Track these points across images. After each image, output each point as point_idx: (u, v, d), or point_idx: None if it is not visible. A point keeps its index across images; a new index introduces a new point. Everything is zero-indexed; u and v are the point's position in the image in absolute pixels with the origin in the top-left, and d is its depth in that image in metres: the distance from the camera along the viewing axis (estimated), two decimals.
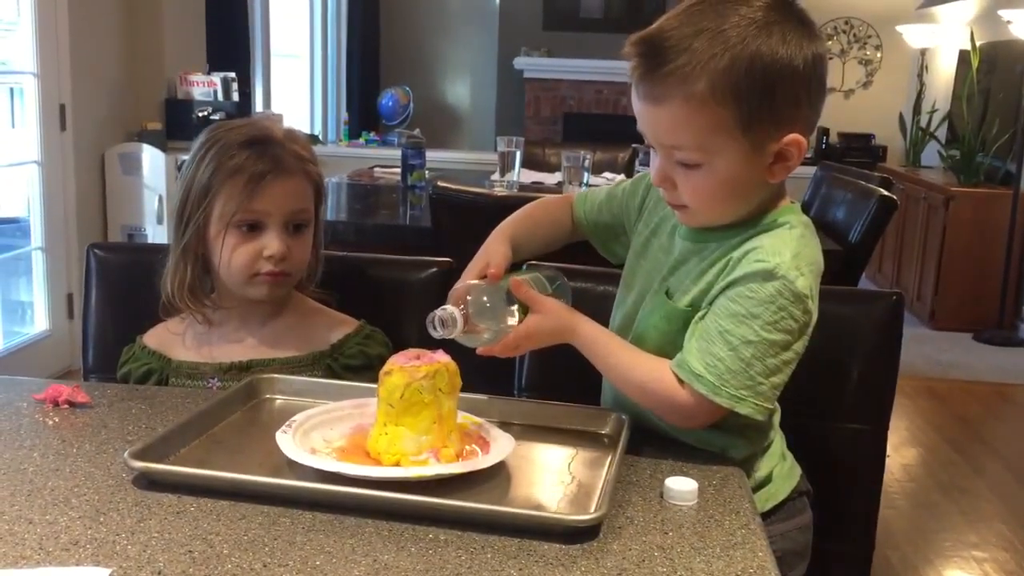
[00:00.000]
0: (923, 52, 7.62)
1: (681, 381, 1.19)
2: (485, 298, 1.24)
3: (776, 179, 1.21)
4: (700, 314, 1.22)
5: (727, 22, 1.14)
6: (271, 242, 1.47)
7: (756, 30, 1.14)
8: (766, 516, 1.30)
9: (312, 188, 1.53)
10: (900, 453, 3.80)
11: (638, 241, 1.41)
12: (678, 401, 1.20)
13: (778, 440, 1.35)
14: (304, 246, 1.52)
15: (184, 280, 1.50)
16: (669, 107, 1.16)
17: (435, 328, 1.19)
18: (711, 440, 1.26)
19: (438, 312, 1.19)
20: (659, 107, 1.17)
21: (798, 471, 1.37)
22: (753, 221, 1.25)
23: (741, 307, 1.18)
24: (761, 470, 1.31)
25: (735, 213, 1.25)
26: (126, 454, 1.09)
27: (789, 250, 1.19)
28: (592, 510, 1.02)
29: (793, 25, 1.17)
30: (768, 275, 1.17)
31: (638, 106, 1.21)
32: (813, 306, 1.20)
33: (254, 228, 1.47)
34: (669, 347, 1.24)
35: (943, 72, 7.46)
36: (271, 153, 1.47)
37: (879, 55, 8.30)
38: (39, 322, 4.25)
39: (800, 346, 1.20)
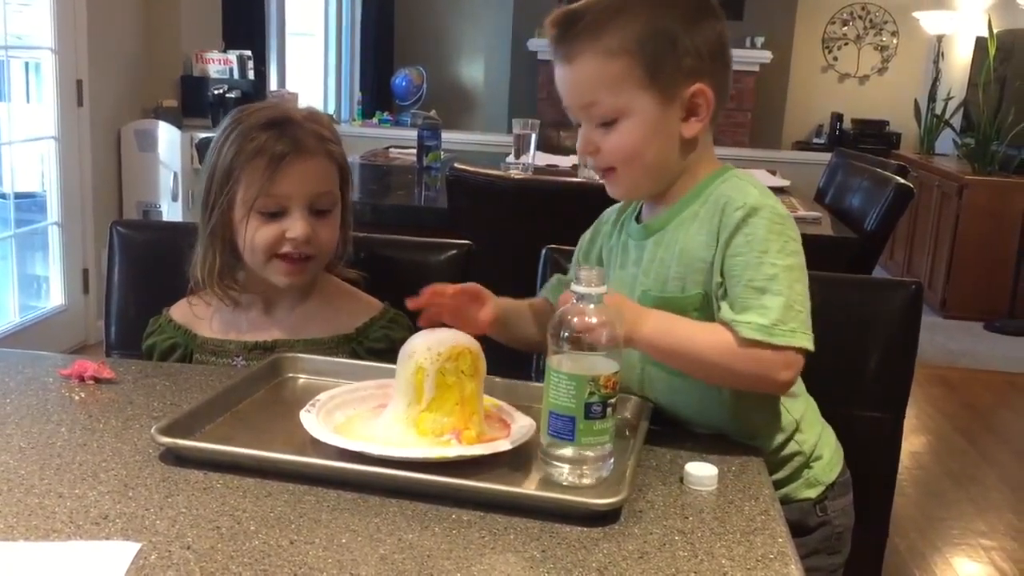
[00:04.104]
0: (939, 39, 7.59)
1: (748, 343, 1.18)
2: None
3: (690, 133, 1.27)
4: (720, 285, 1.23)
5: None
6: (294, 224, 1.46)
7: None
8: (829, 489, 1.35)
9: (336, 169, 1.52)
10: (910, 441, 3.81)
11: None
12: (752, 362, 1.18)
13: (811, 409, 1.37)
14: (329, 229, 1.51)
15: (213, 267, 1.50)
16: (581, 63, 1.26)
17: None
18: (746, 419, 1.28)
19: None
20: (573, 65, 1.27)
21: (840, 447, 1.41)
22: (692, 193, 1.29)
23: (750, 253, 1.20)
24: (806, 432, 1.33)
25: (658, 177, 1.30)
26: (153, 430, 1.10)
27: (751, 187, 1.26)
28: (613, 494, 1.03)
29: (694, 3, 1.27)
30: (751, 212, 1.21)
31: (558, 74, 1.29)
32: None
33: (277, 215, 1.47)
34: None
35: (959, 59, 7.43)
36: (291, 134, 1.46)
37: (895, 41, 8.27)
38: (55, 297, 4.27)
39: (804, 266, 1.24)
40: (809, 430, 1.35)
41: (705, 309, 1.26)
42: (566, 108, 1.31)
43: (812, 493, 1.35)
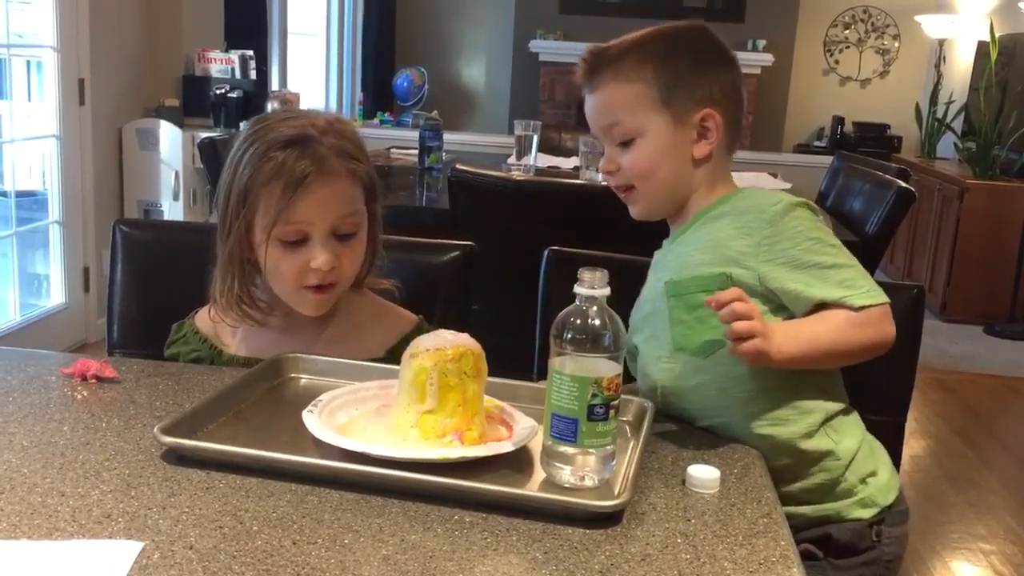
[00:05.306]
0: (941, 43, 7.59)
1: (861, 310, 1.26)
2: None
3: (700, 154, 1.38)
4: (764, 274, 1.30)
5: (658, 33, 1.41)
6: (318, 254, 1.37)
7: (675, 41, 1.41)
8: (886, 512, 1.35)
9: (360, 188, 1.42)
10: (909, 444, 3.81)
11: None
12: (868, 327, 1.27)
13: (854, 419, 1.39)
14: (354, 253, 1.43)
15: (233, 291, 1.43)
16: (604, 90, 1.40)
17: None
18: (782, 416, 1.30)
19: None
20: (597, 93, 1.40)
21: (896, 474, 1.43)
22: (714, 204, 1.39)
23: (805, 241, 1.29)
24: (840, 434, 1.34)
25: (672, 195, 1.41)
26: (156, 429, 1.10)
27: (778, 192, 1.37)
28: (615, 496, 1.03)
29: (705, 52, 1.41)
30: (790, 207, 1.32)
31: (587, 104, 1.43)
32: None
33: (298, 243, 1.38)
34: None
35: (961, 63, 7.43)
36: (311, 153, 1.36)
37: (896, 45, 8.27)
38: (55, 295, 4.27)
39: None
40: (846, 435, 1.34)
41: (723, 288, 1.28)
42: (594, 136, 1.44)
43: (866, 514, 1.34)
